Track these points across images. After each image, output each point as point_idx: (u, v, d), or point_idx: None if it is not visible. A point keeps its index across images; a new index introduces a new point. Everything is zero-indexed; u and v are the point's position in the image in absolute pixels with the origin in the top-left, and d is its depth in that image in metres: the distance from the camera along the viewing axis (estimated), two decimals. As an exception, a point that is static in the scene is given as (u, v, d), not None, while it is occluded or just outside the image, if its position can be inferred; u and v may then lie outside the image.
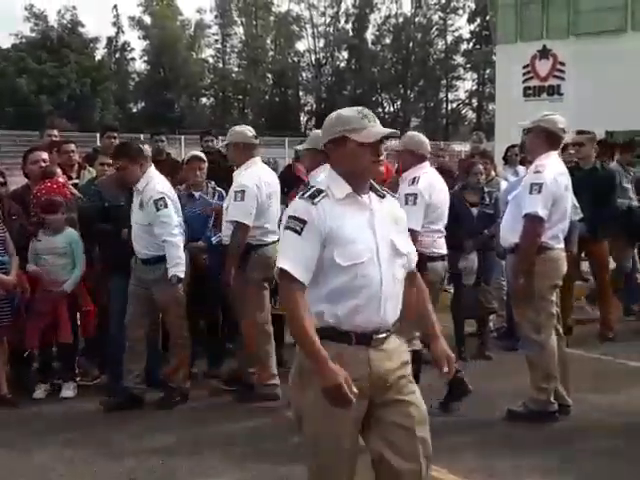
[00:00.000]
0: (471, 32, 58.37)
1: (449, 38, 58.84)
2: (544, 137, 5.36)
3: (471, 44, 58.51)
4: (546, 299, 5.33)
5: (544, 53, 28.92)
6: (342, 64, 60.82)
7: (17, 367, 6.27)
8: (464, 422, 5.45)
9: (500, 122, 27.72)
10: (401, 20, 59.38)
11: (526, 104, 28.19)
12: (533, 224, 5.20)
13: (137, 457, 4.88)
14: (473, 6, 57.88)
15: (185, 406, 5.89)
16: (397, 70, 58.60)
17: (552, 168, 5.33)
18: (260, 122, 54.75)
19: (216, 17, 61.09)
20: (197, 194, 6.50)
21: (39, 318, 5.97)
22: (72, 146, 7.20)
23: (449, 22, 58.72)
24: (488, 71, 57.11)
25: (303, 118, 61.80)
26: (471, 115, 61.38)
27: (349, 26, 60.48)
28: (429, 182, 5.46)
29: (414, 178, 5.42)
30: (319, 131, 5.55)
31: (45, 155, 6.45)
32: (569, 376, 5.58)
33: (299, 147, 6.33)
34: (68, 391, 6.14)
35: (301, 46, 61.95)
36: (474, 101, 59.80)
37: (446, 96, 59.98)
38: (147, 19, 60.42)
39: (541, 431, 5.23)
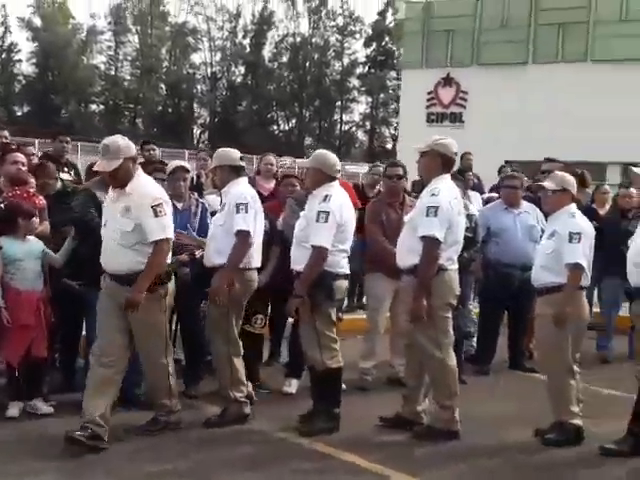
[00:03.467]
0: (367, 56, 59.31)
1: (345, 60, 59.57)
2: (440, 161, 5.50)
3: (366, 68, 59.40)
4: (442, 317, 5.49)
5: (448, 81, 29.60)
6: (238, 79, 60.53)
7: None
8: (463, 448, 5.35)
9: (404, 146, 28.12)
10: (298, 39, 59.70)
11: (429, 129, 28.79)
12: (431, 246, 5.35)
13: None
14: (370, 31, 58.88)
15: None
16: (293, 88, 58.75)
17: (447, 192, 5.50)
18: (152, 132, 53.69)
19: (109, 24, 59.71)
20: (180, 205, 6.15)
21: (24, 331, 5.53)
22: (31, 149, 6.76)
23: (346, 45, 59.50)
24: (382, 95, 58.15)
25: (196, 131, 61.11)
26: (362, 137, 62.30)
27: (247, 41, 60.31)
28: (340, 201, 5.54)
29: (326, 196, 5.47)
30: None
31: (23, 157, 6.03)
32: None
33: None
34: (43, 407, 5.69)
35: (197, 58, 61.36)
36: (367, 124, 60.64)
37: (340, 117, 60.60)
38: (37, 21, 58.46)
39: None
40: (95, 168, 5.36)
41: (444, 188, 5.48)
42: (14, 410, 5.61)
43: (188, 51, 60.30)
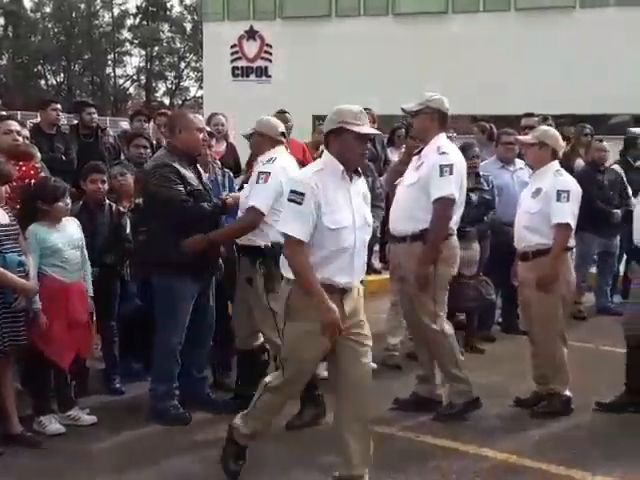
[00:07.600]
0: (137, 7, 56.87)
1: (115, 11, 56.70)
2: (437, 118, 5.26)
3: (137, 20, 56.97)
4: (445, 287, 5.26)
5: (251, 34, 29.08)
6: (-2, 31, 55.77)
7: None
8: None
9: (209, 101, 27.36)
10: (63, -12, 55.84)
11: (234, 85, 28.30)
12: (447, 207, 5.07)
13: None
14: (139, -19, 56.37)
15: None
16: (60, 41, 55.09)
17: (455, 150, 5.32)
18: None
19: None
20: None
21: (76, 328, 4.87)
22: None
23: (114, -5, 56.49)
24: (157, 48, 56.17)
25: (-48, 89, 55.64)
26: (136, 91, 59.96)
27: (5, -10, 55.51)
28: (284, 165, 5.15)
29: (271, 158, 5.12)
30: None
31: (17, 125, 5.06)
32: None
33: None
34: (86, 417, 5.02)
35: (-53, 10, 55.56)
36: (142, 78, 58.41)
37: (114, 71, 57.83)
38: None
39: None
40: None
41: (450, 146, 5.25)
42: (56, 425, 4.85)
43: (-64, 1, 54.54)
